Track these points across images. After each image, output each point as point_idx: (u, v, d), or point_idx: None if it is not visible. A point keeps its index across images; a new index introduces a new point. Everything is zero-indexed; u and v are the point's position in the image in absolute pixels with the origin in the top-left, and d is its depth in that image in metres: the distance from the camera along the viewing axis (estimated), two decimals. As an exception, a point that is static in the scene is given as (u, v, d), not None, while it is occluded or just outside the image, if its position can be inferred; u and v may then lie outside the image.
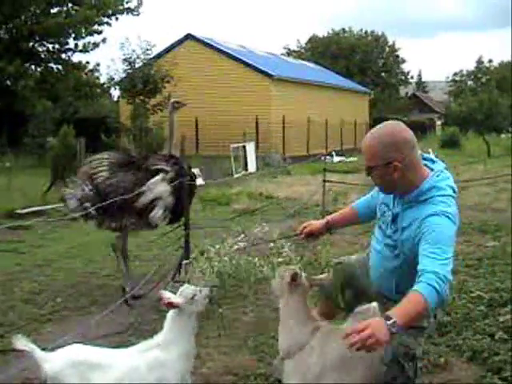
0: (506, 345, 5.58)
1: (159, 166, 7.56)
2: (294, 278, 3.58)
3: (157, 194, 7.39)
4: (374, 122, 50.46)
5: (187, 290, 3.99)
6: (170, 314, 3.97)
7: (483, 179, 18.50)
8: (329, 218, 4.12)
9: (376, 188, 3.91)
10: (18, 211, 13.97)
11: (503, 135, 46.30)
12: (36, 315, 7.05)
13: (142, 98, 27.71)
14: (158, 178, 7.44)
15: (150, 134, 27.45)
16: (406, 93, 77.76)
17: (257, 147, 28.91)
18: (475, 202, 15.29)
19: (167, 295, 3.91)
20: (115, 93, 41.19)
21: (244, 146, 26.25)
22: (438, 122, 60.50)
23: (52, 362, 3.71)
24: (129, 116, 28.22)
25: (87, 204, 7.38)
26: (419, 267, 3.26)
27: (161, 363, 3.80)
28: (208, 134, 31.43)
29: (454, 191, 3.60)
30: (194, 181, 8.32)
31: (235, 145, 26.01)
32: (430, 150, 31.37)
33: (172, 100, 8.63)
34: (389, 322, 2.95)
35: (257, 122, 31.58)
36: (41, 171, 21.28)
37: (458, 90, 65.02)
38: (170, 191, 7.47)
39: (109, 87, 35.76)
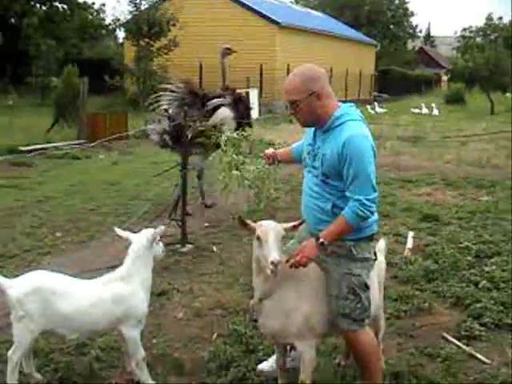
0: (489, 293, 5.77)
1: (220, 101, 8.90)
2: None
3: (222, 118, 8.69)
4: (379, 73, 50.33)
5: (148, 231, 4.14)
6: (132, 248, 4.10)
7: (483, 135, 18.61)
8: (279, 151, 4.33)
9: (304, 137, 4.08)
10: (21, 148, 14.08)
11: (508, 94, 45.99)
12: (36, 248, 7.24)
13: (146, 40, 27.47)
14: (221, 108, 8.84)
15: (154, 76, 27.32)
16: (414, 46, 76.97)
17: (260, 94, 28.78)
18: (474, 157, 15.37)
19: (121, 233, 4.13)
20: (120, 35, 40.86)
21: (247, 92, 26.15)
22: (444, 78, 59.99)
23: (16, 287, 3.82)
24: (133, 58, 28.06)
25: (166, 136, 8.65)
26: (347, 193, 3.62)
27: (125, 296, 3.97)
28: (212, 79, 31.22)
29: (362, 118, 3.79)
30: (249, 107, 9.72)
31: (238, 91, 25.94)
32: (433, 105, 31.44)
33: (224, 46, 9.68)
34: (318, 242, 3.59)
35: (261, 69, 31.39)
36: (43, 110, 21.34)
37: (466, 46, 64.26)
38: (232, 115, 8.87)
39: (114, 29, 35.45)
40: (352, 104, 3.86)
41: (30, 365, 4.08)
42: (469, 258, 6.87)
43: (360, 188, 3.56)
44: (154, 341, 4.77)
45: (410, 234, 7.81)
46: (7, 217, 8.68)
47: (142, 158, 14.48)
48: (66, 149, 14.57)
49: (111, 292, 3.96)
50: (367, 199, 3.56)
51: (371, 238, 3.82)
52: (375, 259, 3.89)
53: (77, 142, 15.92)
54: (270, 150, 4.36)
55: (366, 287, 3.75)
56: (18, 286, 3.83)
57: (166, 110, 8.73)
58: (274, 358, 4.31)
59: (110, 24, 35.52)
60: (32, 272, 4.03)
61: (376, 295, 4.01)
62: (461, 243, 7.44)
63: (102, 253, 7.06)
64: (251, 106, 10.40)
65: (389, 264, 6.67)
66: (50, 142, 15.30)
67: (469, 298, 5.63)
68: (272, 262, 3.45)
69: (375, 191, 3.60)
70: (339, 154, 3.58)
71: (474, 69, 42.95)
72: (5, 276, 3.95)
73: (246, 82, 27.15)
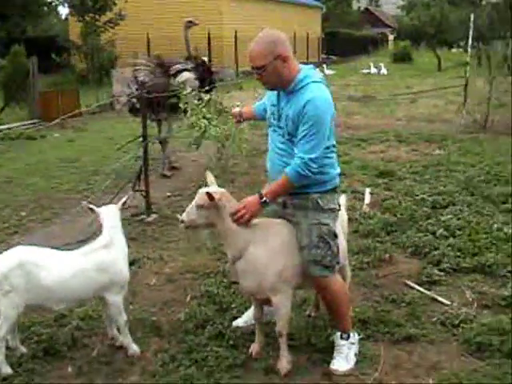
0: (446, 241, 6.06)
1: (182, 66, 9.63)
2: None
3: (184, 80, 9.27)
4: (326, 35, 50.48)
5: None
6: (107, 219, 4.24)
7: (431, 91, 18.97)
8: (243, 110, 4.54)
9: (265, 97, 4.27)
10: (-27, 131, 13.97)
11: (454, 49, 46.69)
12: (2, 228, 7.30)
13: (91, 15, 27.13)
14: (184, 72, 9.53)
15: (102, 51, 27.06)
16: (359, 7, 77.28)
17: (209, 62, 28.72)
18: (424, 113, 15.74)
19: (91, 206, 4.25)
20: (63, 11, 40.27)
21: (203, 60, 26.07)
22: (391, 37, 60.53)
23: None
24: (79, 34, 27.68)
25: (134, 100, 9.19)
26: (294, 149, 3.85)
27: (108, 264, 4.12)
28: (159, 49, 31.01)
29: (324, 80, 3.97)
30: (211, 70, 10.40)
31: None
32: (382, 65, 31.79)
33: (185, 20, 10.38)
34: (261, 200, 3.83)
35: (209, 38, 31.27)
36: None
37: (411, 4, 64.77)
38: (194, 77, 9.52)
39: (56, 5, 34.94)
40: (311, 66, 4.04)
41: (15, 339, 4.21)
42: (425, 209, 7.16)
43: (307, 147, 3.75)
44: (131, 307, 4.93)
45: (367, 190, 8.08)
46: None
47: (96, 134, 14.47)
48: (20, 129, 14.48)
49: (94, 261, 4.09)
50: (310, 159, 3.74)
51: (335, 190, 4.04)
52: (339, 210, 4.11)
53: (30, 121, 15.81)
54: (236, 109, 4.55)
55: (335, 235, 3.99)
56: (1, 262, 3.92)
57: (136, 77, 9.44)
58: (247, 313, 4.55)
59: (52, 1, 34.93)
60: (13, 248, 4.12)
61: (342, 245, 4.23)
62: (417, 196, 7.75)
63: (69, 228, 7.17)
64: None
65: (349, 220, 6.92)
66: (2, 124, 15.16)
67: (427, 246, 5.92)
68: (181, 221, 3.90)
69: (314, 151, 3.75)
70: (299, 114, 3.77)
71: (420, 26, 43.53)
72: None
73: (195, 50, 27.07)
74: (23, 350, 4.26)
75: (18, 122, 15.62)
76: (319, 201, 3.94)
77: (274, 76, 3.85)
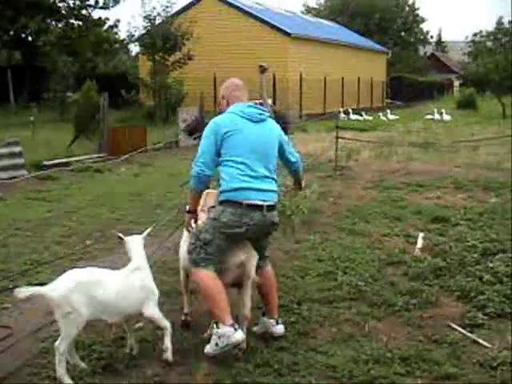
0: (492, 286, 6.19)
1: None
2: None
3: None
4: (391, 80, 50.70)
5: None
6: (135, 246, 4.93)
7: (494, 139, 18.92)
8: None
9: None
10: (45, 162, 14.65)
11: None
12: (68, 255, 7.72)
13: (161, 54, 28.08)
14: None
15: (170, 90, 27.92)
16: (425, 52, 77.27)
17: (274, 104, 29.26)
18: (484, 161, 15.76)
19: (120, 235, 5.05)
20: (134, 49, 41.58)
21: (261, 103, 26.61)
22: (456, 83, 60.32)
23: (58, 288, 4.31)
24: (148, 72, 28.65)
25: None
26: None
27: (145, 283, 4.75)
28: (226, 91, 31.65)
29: (243, 113, 4.97)
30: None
31: (251, 102, 26.37)
32: (443, 111, 31.78)
33: (259, 64, 10.02)
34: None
35: (274, 80, 31.88)
36: (62, 125, 22.00)
37: (477, 50, 64.47)
38: None
39: (128, 43, 36.15)
40: (250, 104, 5.11)
41: (73, 355, 4.57)
42: (475, 255, 7.28)
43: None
44: (185, 333, 5.23)
45: (420, 234, 8.27)
46: (39, 227, 9.18)
47: (161, 170, 15.01)
48: (87, 162, 15.13)
49: (136, 280, 4.69)
50: (195, 162, 4.94)
51: (228, 203, 4.83)
52: (225, 222, 4.82)
53: (98, 155, 16.48)
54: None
55: (205, 239, 4.85)
56: (60, 287, 4.31)
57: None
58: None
59: (124, 39, 36.19)
60: (67, 272, 4.56)
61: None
62: (468, 242, 7.86)
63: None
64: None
65: (400, 262, 7.20)
66: (72, 157, 15.85)
67: (473, 291, 6.07)
68: None
69: (198, 160, 4.93)
70: None
71: (485, 73, 43.25)
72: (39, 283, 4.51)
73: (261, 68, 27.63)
74: (83, 365, 4.61)
75: (86, 155, 16.30)
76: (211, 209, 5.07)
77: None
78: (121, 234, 5.00)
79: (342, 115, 31.99)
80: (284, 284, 6.33)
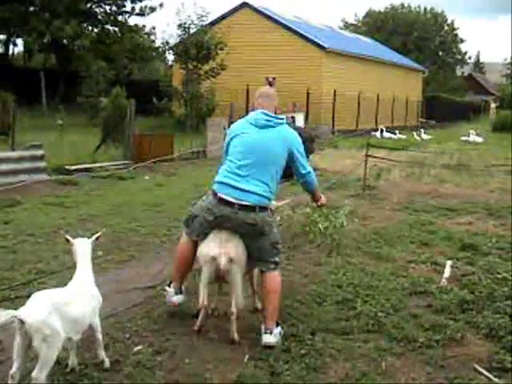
0: (524, 325, 5.72)
1: None
2: None
3: None
4: (427, 99, 50.10)
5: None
6: (82, 251, 4.70)
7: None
8: None
9: None
10: (67, 167, 14.42)
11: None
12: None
13: (194, 63, 27.94)
14: None
15: (201, 99, 27.73)
16: (463, 72, 76.55)
17: (306, 118, 28.96)
18: (519, 186, 15.19)
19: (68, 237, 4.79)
20: (170, 57, 41.59)
21: (293, 117, 26.32)
22: (493, 105, 59.42)
23: (34, 312, 4.01)
24: (181, 81, 28.50)
25: None
26: None
27: (95, 290, 4.65)
28: (258, 103, 31.40)
29: (252, 118, 5.43)
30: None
31: (284, 115, 26.07)
32: (471, 131, 31.19)
33: (266, 77, 9.46)
34: None
35: (308, 94, 31.60)
36: (92, 130, 21.79)
37: (516, 72, 63.71)
38: None
39: (164, 51, 36.15)
40: (263, 111, 5.41)
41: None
42: (505, 289, 6.78)
43: None
44: (187, 360, 4.85)
45: (449, 263, 7.79)
46: (51, 234, 8.88)
47: (186, 180, 14.70)
48: (111, 169, 14.88)
49: (88, 288, 4.57)
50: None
51: (212, 193, 5.36)
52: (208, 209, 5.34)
53: (122, 162, 16.23)
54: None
55: (193, 215, 5.56)
56: (36, 311, 4.03)
57: None
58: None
59: (159, 47, 36.18)
60: (32, 297, 4.26)
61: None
62: (499, 274, 7.37)
63: (141, 273, 7.22)
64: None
65: (424, 293, 6.74)
66: (96, 162, 15.62)
67: (502, 329, 5.59)
68: None
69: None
70: None
71: (523, 96, 42.56)
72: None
73: (292, 106, 27.36)
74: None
75: (111, 162, 16.05)
76: None
77: None
78: (68, 236, 4.80)
79: (378, 133, 31.60)
80: (298, 311, 5.92)
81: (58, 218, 10.02)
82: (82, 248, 4.71)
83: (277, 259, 5.38)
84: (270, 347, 5.07)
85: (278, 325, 5.28)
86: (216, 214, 5.19)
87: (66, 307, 4.21)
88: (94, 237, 4.83)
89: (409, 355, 5.12)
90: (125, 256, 8.00)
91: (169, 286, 5.72)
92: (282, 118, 5.48)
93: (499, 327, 5.63)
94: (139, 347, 5.03)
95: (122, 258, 7.93)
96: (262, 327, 5.20)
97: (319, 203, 6.04)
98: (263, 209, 5.22)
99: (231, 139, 5.41)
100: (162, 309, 5.93)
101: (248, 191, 5.14)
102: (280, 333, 5.23)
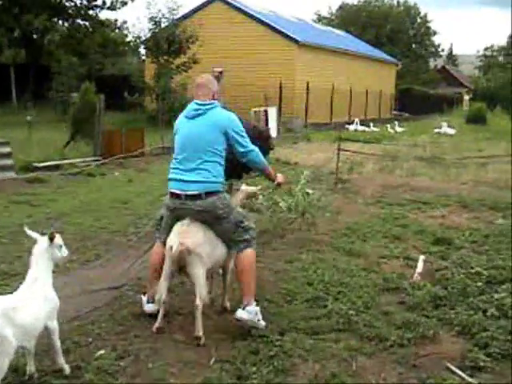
0: (497, 321, 5.60)
1: None
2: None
3: None
4: (401, 92, 50.18)
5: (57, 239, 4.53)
6: (36, 248, 4.44)
7: (503, 156, 18.32)
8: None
9: None
10: (35, 164, 14.13)
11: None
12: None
13: (166, 57, 27.62)
14: None
15: (174, 94, 27.42)
16: (436, 65, 76.81)
17: (279, 112, 28.80)
18: (492, 179, 15.15)
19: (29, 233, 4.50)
20: (143, 51, 41.24)
21: (266, 111, 26.15)
22: (466, 97, 59.66)
23: None
24: (153, 75, 28.18)
25: None
26: None
27: (50, 292, 4.39)
28: (231, 97, 31.29)
29: (185, 111, 5.59)
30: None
31: (256, 109, 25.92)
32: (443, 123, 31.25)
33: (217, 70, 9.10)
34: None
35: (280, 87, 31.40)
36: (62, 126, 21.40)
37: (488, 65, 63.94)
38: None
39: (136, 46, 35.78)
40: (195, 101, 5.50)
41: None
42: (479, 283, 6.68)
43: None
44: (150, 365, 4.67)
45: (421, 257, 7.67)
46: (16, 233, 8.59)
47: (157, 176, 14.42)
48: (80, 165, 14.60)
49: (41, 291, 4.30)
50: None
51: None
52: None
53: (92, 158, 15.94)
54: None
55: (161, 216, 5.82)
56: None
57: None
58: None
59: (131, 41, 35.82)
60: None
61: None
62: (472, 268, 7.26)
63: (107, 273, 7.02)
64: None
65: (396, 289, 6.62)
66: (65, 159, 15.33)
67: (476, 326, 5.47)
68: None
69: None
70: None
71: (496, 88, 42.75)
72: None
73: (265, 99, 27.19)
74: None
75: (80, 158, 15.76)
76: None
77: None
78: (29, 231, 4.51)
79: (352, 126, 31.56)
80: (267, 310, 5.74)
81: (24, 216, 9.74)
82: (37, 246, 4.46)
83: (246, 237, 5.44)
84: (239, 321, 5.26)
85: (257, 304, 5.38)
86: (171, 207, 5.44)
87: (16, 313, 4.00)
88: (48, 233, 4.52)
89: (380, 355, 4.99)
90: (91, 255, 7.79)
91: (143, 294, 5.76)
92: (212, 103, 5.48)
93: (472, 324, 5.52)
94: (102, 351, 4.85)
95: (87, 257, 7.71)
96: (241, 304, 5.33)
97: (276, 182, 6.04)
98: (211, 194, 5.31)
99: (174, 136, 5.66)
100: (126, 310, 5.76)
101: (191, 181, 5.29)
102: (255, 311, 5.29)
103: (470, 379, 4.62)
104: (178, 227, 5.29)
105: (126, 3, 37.07)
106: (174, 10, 28.45)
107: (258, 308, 5.33)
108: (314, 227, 9.31)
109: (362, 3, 72.37)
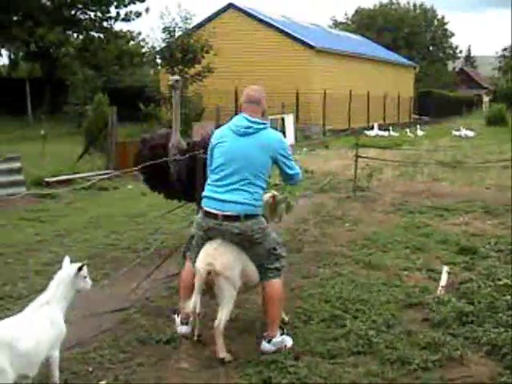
0: (529, 340, 5.19)
1: None
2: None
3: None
4: (419, 95, 49.63)
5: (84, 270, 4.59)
6: (58, 276, 4.41)
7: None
8: None
9: None
10: (47, 179, 13.88)
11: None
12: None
13: (180, 67, 27.39)
14: None
15: (189, 103, 27.16)
16: (454, 67, 76.18)
17: (297, 119, 28.42)
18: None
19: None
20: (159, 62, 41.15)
21: (283, 119, 25.81)
22: (486, 99, 59.08)
23: None
24: (168, 86, 27.94)
25: None
26: None
27: (57, 319, 4.21)
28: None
29: (233, 125, 5.24)
30: None
31: (273, 117, 25.55)
32: (461, 127, 30.81)
33: (174, 78, 8.61)
34: None
35: (297, 94, 31.07)
36: (78, 138, 21.25)
37: (507, 65, 63.16)
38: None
39: (153, 56, 35.64)
40: (244, 116, 5.21)
41: None
42: (508, 297, 6.26)
43: None
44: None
45: (445, 268, 7.28)
46: (23, 252, 8.35)
47: (170, 188, 14.13)
48: (92, 179, 14.32)
49: (49, 316, 4.13)
50: None
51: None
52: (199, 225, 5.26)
53: (105, 171, 15.66)
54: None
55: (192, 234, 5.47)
56: None
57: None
58: None
59: (145, 52, 35.66)
60: None
61: None
62: (499, 280, 6.84)
63: (114, 293, 6.68)
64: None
65: (419, 304, 6.22)
66: (78, 172, 15.07)
67: (506, 345, 5.06)
68: None
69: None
70: None
71: (516, 89, 42.15)
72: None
73: (282, 107, 26.85)
74: None
75: (93, 172, 15.49)
76: None
77: None
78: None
79: (372, 131, 31.20)
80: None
81: (33, 234, 9.49)
82: (63, 271, 4.45)
83: (277, 265, 5.29)
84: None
85: (282, 333, 5.26)
86: (204, 227, 5.16)
87: (16, 341, 3.76)
88: (77, 267, 4.56)
89: (403, 380, 4.61)
90: (99, 274, 7.44)
91: (175, 313, 5.63)
92: (264, 123, 5.25)
93: (502, 343, 5.11)
94: (102, 382, 4.51)
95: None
96: (264, 335, 5.21)
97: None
98: (249, 217, 5.08)
99: (213, 148, 5.31)
100: (131, 335, 5.43)
101: (230, 201, 5.05)
102: (281, 341, 5.17)
103: (502, 407, 4.22)
104: (207, 247, 5.12)
105: (140, 14, 36.98)
106: (187, 19, 28.22)
107: (282, 336, 5.22)
108: (332, 238, 8.94)
109: (378, 7, 71.95)
